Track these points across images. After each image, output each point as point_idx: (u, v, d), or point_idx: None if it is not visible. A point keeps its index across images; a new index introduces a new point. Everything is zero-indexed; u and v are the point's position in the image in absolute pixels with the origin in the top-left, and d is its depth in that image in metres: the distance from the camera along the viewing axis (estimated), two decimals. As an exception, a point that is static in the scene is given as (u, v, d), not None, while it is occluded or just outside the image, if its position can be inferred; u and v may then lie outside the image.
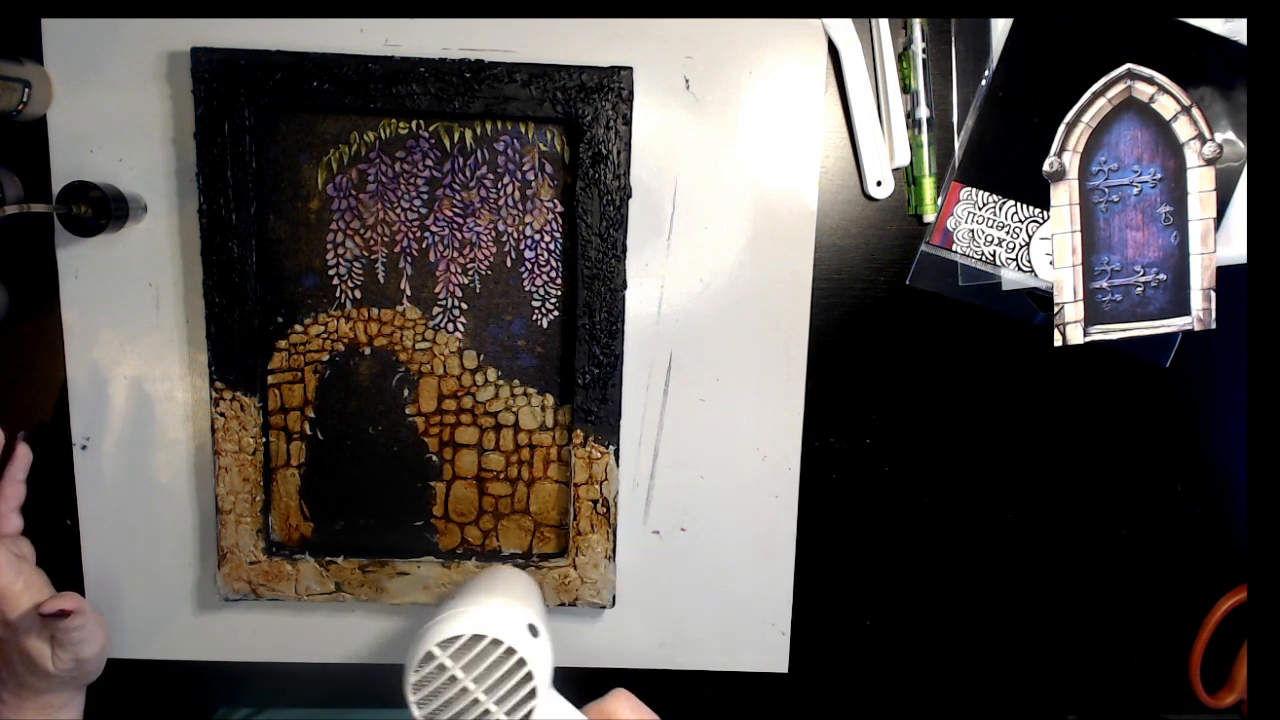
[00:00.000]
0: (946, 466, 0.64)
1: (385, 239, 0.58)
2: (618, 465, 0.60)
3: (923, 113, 0.59)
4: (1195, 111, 0.58)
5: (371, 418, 0.60)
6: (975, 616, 0.66)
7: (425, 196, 0.58)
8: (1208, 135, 0.58)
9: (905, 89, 0.59)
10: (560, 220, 0.59)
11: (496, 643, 0.46)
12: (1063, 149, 0.59)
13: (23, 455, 0.57)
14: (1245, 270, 0.60)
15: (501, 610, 0.48)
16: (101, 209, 0.53)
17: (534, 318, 0.60)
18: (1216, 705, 0.67)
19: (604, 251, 0.57)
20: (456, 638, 0.46)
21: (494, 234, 0.59)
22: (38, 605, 0.52)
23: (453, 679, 0.45)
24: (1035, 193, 0.59)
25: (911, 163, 0.59)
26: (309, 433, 0.60)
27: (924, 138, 0.59)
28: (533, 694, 0.46)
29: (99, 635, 0.55)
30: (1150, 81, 0.58)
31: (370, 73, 0.55)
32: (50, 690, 0.55)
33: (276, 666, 0.64)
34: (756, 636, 0.64)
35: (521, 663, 0.46)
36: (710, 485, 0.62)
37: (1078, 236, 0.59)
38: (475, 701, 0.45)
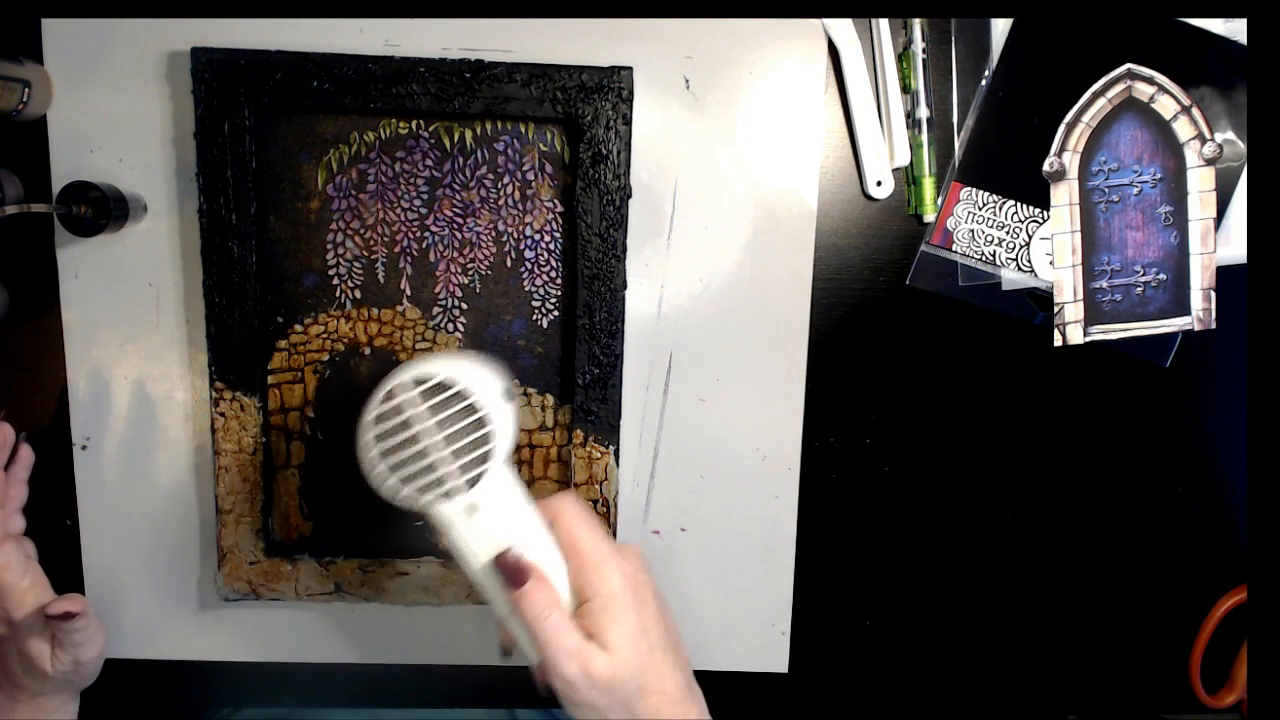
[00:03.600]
0: (946, 466, 0.64)
1: (385, 239, 0.58)
2: (618, 465, 0.60)
3: (923, 113, 0.59)
4: (1195, 111, 0.58)
5: (371, 418, 0.60)
6: (975, 616, 0.66)
7: (425, 196, 0.58)
8: (1208, 135, 0.58)
9: (905, 89, 0.59)
10: (560, 220, 0.59)
11: (463, 394, 0.45)
12: (1063, 149, 0.59)
13: (25, 456, 0.57)
14: (1245, 270, 0.60)
15: (477, 370, 0.47)
16: (101, 209, 0.53)
17: (534, 318, 0.60)
18: (1216, 705, 0.67)
19: (604, 251, 0.57)
20: (427, 378, 0.45)
21: (494, 234, 0.59)
22: (42, 606, 0.53)
23: (413, 420, 0.45)
24: (1035, 193, 0.59)
25: (911, 163, 0.59)
26: (309, 433, 0.60)
27: (924, 138, 0.59)
28: (489, 456, 0.45)
29: (99, 638, 0.55)
30: (1150, 81, 0.58)
31: (370, 73, 0.55)
32: (45, 693, 0.55)
33: (276, 666, 0.64)
34: (756, 636, 0.64)
35: (484, 420, 0.45)
36: (710, 485, 0.62)
37: (1078, 236, 0.59)
38: (430, 448, 0.45)
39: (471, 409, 0.45)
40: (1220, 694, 0.67)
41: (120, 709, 0.64)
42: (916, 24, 0.58)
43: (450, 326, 0.60)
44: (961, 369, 0.62)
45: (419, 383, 0.45)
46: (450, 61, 0.55)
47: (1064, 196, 0.59)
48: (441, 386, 0.45)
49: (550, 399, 0.60)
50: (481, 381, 0.46)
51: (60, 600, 0.52)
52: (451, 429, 0.45)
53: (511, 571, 0.45)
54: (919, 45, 0.58)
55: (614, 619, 0.44)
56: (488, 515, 0.46)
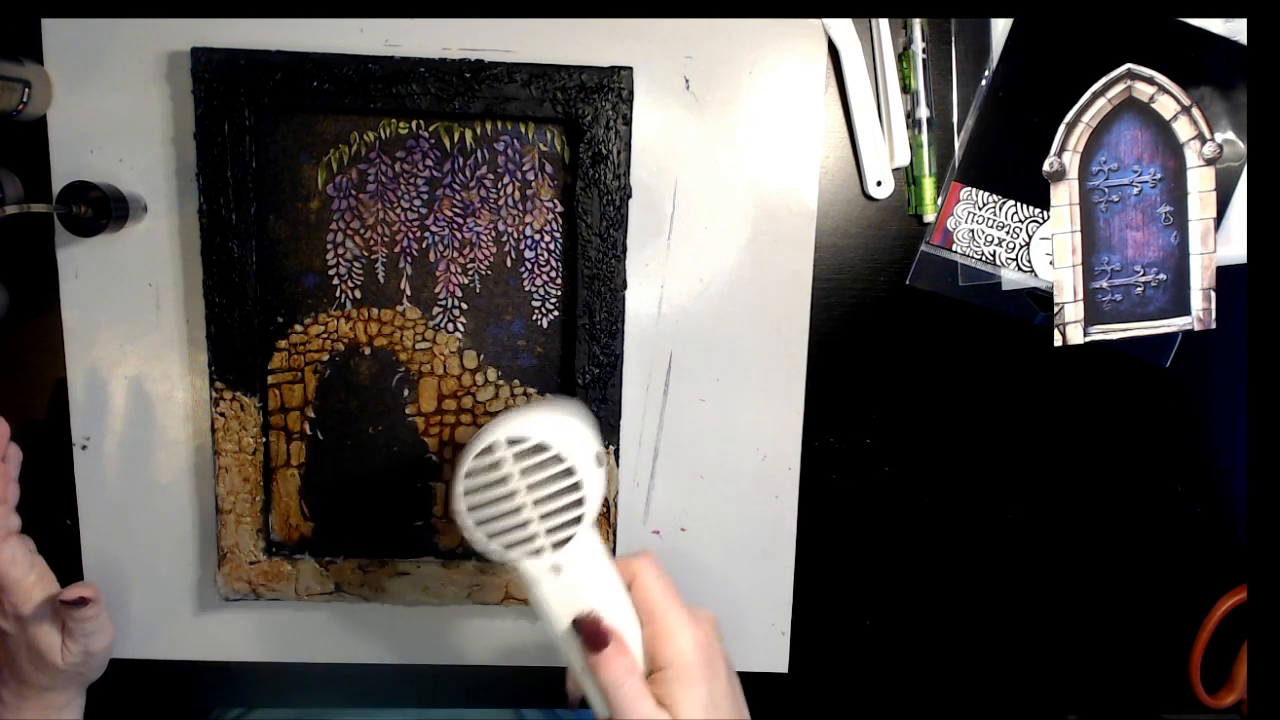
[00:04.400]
0: (946, 466, 0.64)
1: (385, 239, 0.58)
2: (618, 465, 0.60)
3: (923, 113, 0.59)
4: (1195, 111, 0.58)
5: (371, 418, 0.60)
6: (975, 616, 0.66)
7: (425, 196, 0.58)
8: (1208, 135, 0.58)
9: (905, 89, 0.59)
10: (560, 220, 0.59)
11: (559, 458, 0.44)
12: (1063, 149, 0.59)
13: (13, 454, 0.57)
14: (1245, 270, 0.60)
15: (574, 431, 0.46)
16: (101, 209, 0.53)
17: (534, 318, 0.60)
18: (1216, 705, 0.67)
19: (604, 251, 0.57)
20: (523, 439, 0.44)
21: (494, 234, 0.59)
22: (52, 596, 0.53)
23: (506, 478, 0.44)
24: (1035, 193, 0.59)
25: (911, 163, 0.59)
26: (309, 433, 0.60)
27: (924, 138, 0.59)
28: (578, 520, 0.45)
29: (109, 628, 0.56)
30: (1150, 81, 0.58)
31: (370, 73, 0.55)
32: (55, 687, 0.55)
33: (276, 666, 0.64)
34: (756, 636, 0.64)
35: (578, 485, 0.45)
36: (710, 485, 0.62)
37: (1078, 236, 0.59)
38: (521, 508, 0.44)
39: (566, 473, 0.45)
40: (1220, 694, 0.67)
41: (120, 709, 0.64)
42: (916, 24, 0.58)
43: (450, 326, 0.60)
44: (961, 369, 0.62)
45: (514, 442, 0.44)
46: (450, 61, 0.55)
47: (1064, 196, 0.59)
48: (538, 449, 0.44)
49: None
50: (577, 444, 0.45)
51: (73, 587, 0.53)
52: (544, 492, 0.45)
53: (592, 635, 0.45)
54: (919, 45, 0.58)
55: (686, 690, 0.44)
56: (571, 576, 0.46)
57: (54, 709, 0.56)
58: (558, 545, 0.45)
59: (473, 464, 0.45)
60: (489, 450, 0.44)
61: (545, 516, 0.45)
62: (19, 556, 0.54)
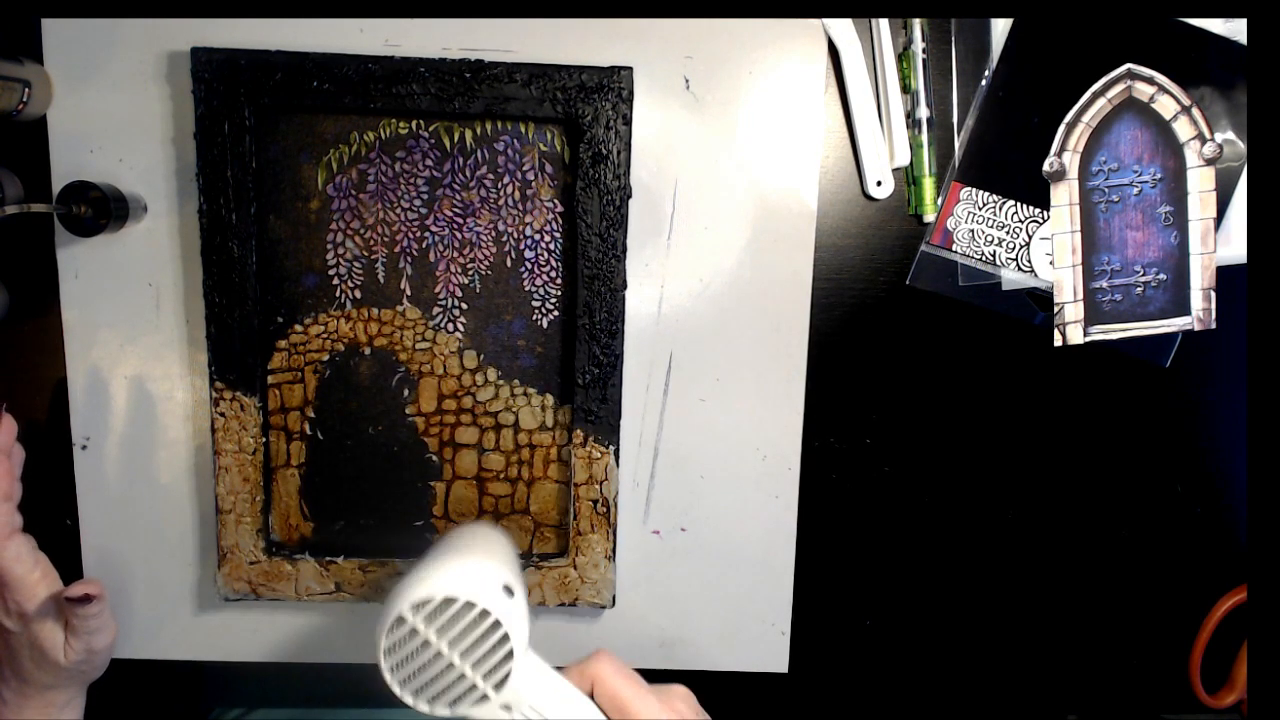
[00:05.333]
0: (946, 466, 0.64)
1: (385, 239, 0.58)
2: (618, 465, 0.60)
3: (923, 113, 0.59)
4: (1195, 111, 0.58)
5: (371, 418, 0.60)
6: (975, 616, 0.66)
7: (425, 196, 0.58)
8: (1208, 135, 0.58)
9: (905, 89, 0.59)
10: (560, 220, 0.59)
11: (469, 605, 0.44)
12: (1063, 149, 0.59)
13: (17, 453, 0.57)
14: (1245, 270, 0.60)
15: (474, 570, 0.46)
16: (101, 209, 0.53)
17: (534, 318, 0.60)
18: (1216, 705, 0.67)
19: (604, 251, 0.57)
20: (427, 600, 0.44)
21: (494, 234, 0.59)
22: (56, 594, 0.53)
23: (426, 643, 0.44)
24: (1035, 193, 0.59)
25: (911, 163, 0.59)
26: (309, 433, 0.60)
27: (924, 138, 0.59)
28: (509, 655, 0.44)
29: (112, 625, 0.56)
30: (1150, 81, 0.58)
31: (370, 73, 0.55)
32: (56, 686, 0.55)
33: (276, 666, 0.64)
34: (756, 636, 0.64)
35: (497, 624, 0.44)
36: (710, 485, 0.62)
37: (1078, 236, 0.59)
38: (450, 665, 0.44)
39: (481, 616, 0.44)
40: (1220, 694, 0.67)
41: (120, 709, 0.64)
42: (916, 24, 0.58)
43: (450, 326, 0.60)
44: (961, 369, 0.62)
45: (419, 606, 0.44)
46: (450, 61, 0.55)
47: (1064, 196, 0.59)
48: (445, 604, 0.44)
49: (550, 399, 0.60)
50: (482, 582, 0.45)
51: (79, 584, 0.53)
52: (466, 642, 0.44)
53: None
54: (919, 45, 0.58)
55: None
56: (524, 708, 0.45)
57: (55, 708, 0.56)
58: (499, 686, 0.44)
59: (388, 640, 0.44)
60: (400, 622, 0.44)
61: (476, 665, 0.44)
62: (23, 554, 0.54)
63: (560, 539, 0.62)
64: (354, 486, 0.61)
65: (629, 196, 0.57)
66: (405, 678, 0.44)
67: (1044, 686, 0.67)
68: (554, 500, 0.61)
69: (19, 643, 0.55)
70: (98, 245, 0.58)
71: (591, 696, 0.46)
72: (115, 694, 0.62)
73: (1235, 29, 0.58)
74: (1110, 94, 0.58)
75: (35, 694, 0.55)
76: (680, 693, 0.47)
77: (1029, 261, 0.60)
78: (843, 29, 0.58)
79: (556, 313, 0.60)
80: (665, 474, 0.62)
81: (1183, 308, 0.60)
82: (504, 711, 0.45)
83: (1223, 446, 0.64)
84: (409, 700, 0.45)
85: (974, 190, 0.59)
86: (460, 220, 0.58)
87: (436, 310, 0.59)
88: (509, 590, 0.45)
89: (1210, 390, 0.63)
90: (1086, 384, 0.63)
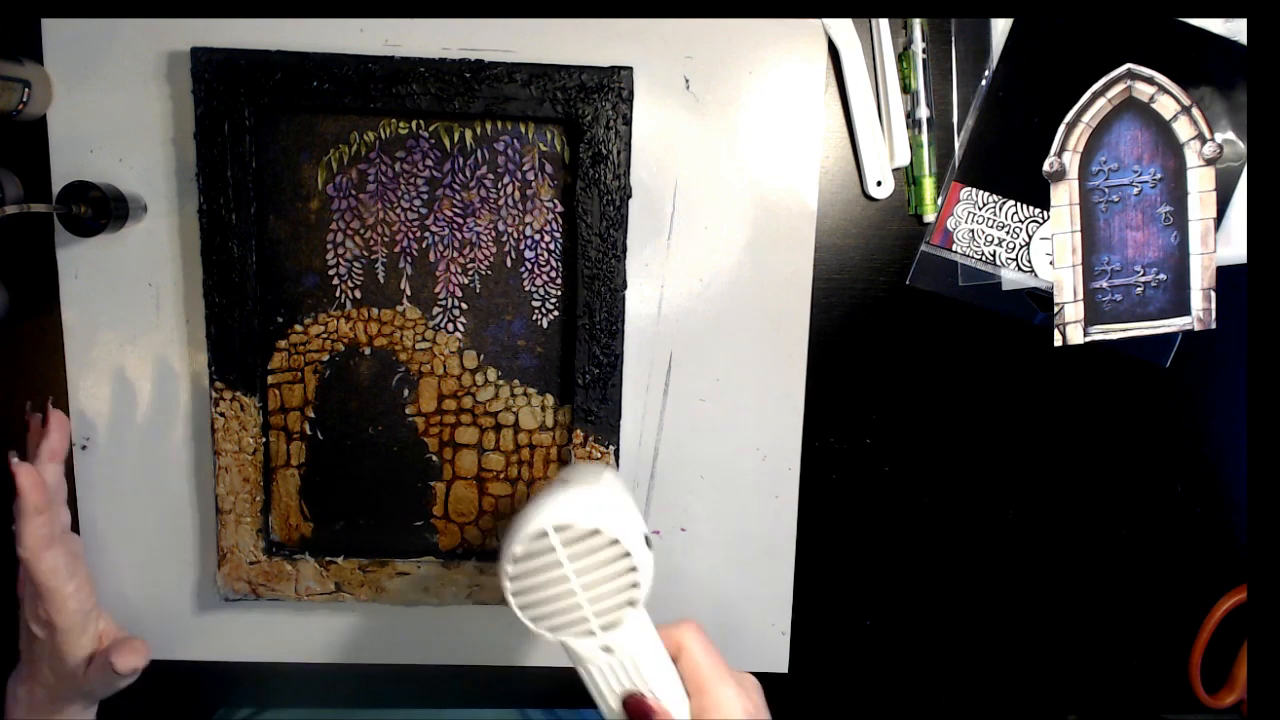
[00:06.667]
0: (946, 466, 0.64)
1: (385, 239, 0.58)
2: (618, 465, 0.60)
3: (923, 113, 0.59)
4: (1195, 111, 0.58)
5: (371, 418, 0.60)
6: (975, 616, 0.66)
7: (425, 196, 0.58)
8: (1208, 135, 0.58)
9: (905, 89, 0.59)
10: (560, 220, 0.59)
11: (615, 542, 0.42)
12: (1063, 149, 0.59)
13: (60, 447, 0.56)
14: (1245, 270, 0.60)
15: (625, 511, 0.44)
16: (101, 209, 0.53)
17: (534, 318, 0.60)
18: (1216, 705, 0.67)
19: (604, 251, 0.57)
20: (572, 525, 0.42)
21: (494, 234, 0.59)
22: (102, 650, 0.54)
23: (557, 564, 0.43)
24: (1035, 193, 0.59)
25: (911, 163, 0.59)
26: (309, 433, 0.60)
27: (924, 138, 0.59)
28: (632, 603, 0.44)
29: (142, 666, 0.56)
30: (1150, 81, 0.58)
31: (370, 73, 0.55)
32: (70, 697, 0.56)
33: (276, 666, 0.64)
34: (756, 636, 0.64)
35: (633, 569, 0.43)
36: (710, 485, 0.62)
37: (1078, 236, 0.59)
38: (571, 593, 0.43)
39: (623, 556, 0.43)
40: (1220, 694, 0.67)
41: (120, 709, 0.64)
42: (916, 24, 0.58)
43: (450, 326, 0.60)
44: (961, 369, 0.62)
45: (562, 529, 0.43)
46: (450, 61, 0.55)
47: (1064, 196, 0.59)
48: (592, 534, 0.43)
49: (550, 399, 0.60)
50: (629, 525, 0.44)
51: (128, 653, 0.53)
52: (596, 575, 0.43)
53: (640, 716, 0.45)
54: (919, 45, 0.58)
55: None
56: (621, 655, 0.45)
57: (64, 715, 0.56)
58: (609, 627, 0.44)
59: (521, 550, 0.43)
60: (541, 535, 0.43)
61: (596, 600, 0.43)
62: (60, 565, 0.53)
63: (560, 539, 0.62)
64: (354, 486, 0.61)
65: (629, 196, 0.57)
66: (522, 589, 0.44)
67: (1044, 686, 0.67)
68: (554, 500, 0.61)
69: (42, 649, 0.55)
70: (98, 245, 0.58)
71: (675, 663, 0.46)
72: (116, 694, 0.62)
73: (1235, 29, 0.58)
74: (1110, 94, 0.58)
75: (47, 700, 0.55)
76: (753, 683, 0.47)
77: (1029, 261, 0.60)
78: (843, 29, 0.58)
79: (556, 313, 0.60)
80: (665, 474, 0.62)
81: (1183, 308, 0.60)
82: (601, 652, 0.45)
83: (1223, 446, 0.64)
84: (518, 612, 0.44)
85: (974, 190, 0.59)
86: (460, 220, 0.58)
87: (436, 310, 0.59)
88: (649, 541, 0.45)
89: (1210, 390, 0.63)
90: (1086, 384, 0.63)
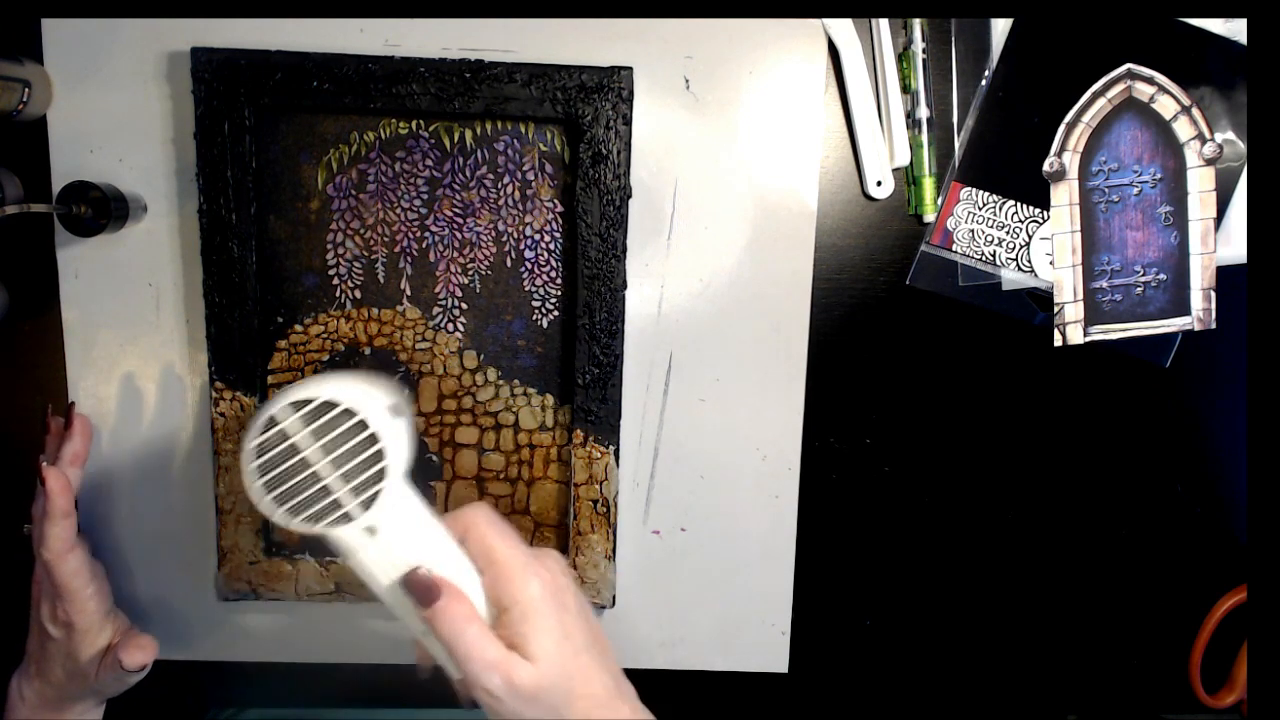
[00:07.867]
0: (946, 466, 0.64)
1: (385, 239, 0.58)
2: (618, 465, 0.60)
3: (923, 113, 0.59)
4: (1195, 111, 0.58)
5: (371, 418, 0.60)
6: (975, 616, 0.66)
7: (425, 196, 0.58)
8: (1208, 135, 0.58)
9: (905, 89, 0.59)
10: (560, 220, 0.59)
11: (348, 413, 0.42)
12: (1063, 149, 0.59)
13: (81, 448, 0.56)
14: (1245, 270, 0.60)
15: (361, 385, 0.44)
16: (101, 209, 0.53)
17: (534, 318, 0.60)
18: (1216, 705, 0.67)
19: (604, 251, 0.57)
20: (307, 402, 0.42)
21: (494, 234, 0.59)
22: (113, 644, 0.54)
23: (294, 448, 0.42)
24: (1035, 193, 0.59)
25: (911, 163, 0.59)
26: (309, 433, 0.60)
27: (924, 138, 0.59)
28: (381, 474, 0.43)
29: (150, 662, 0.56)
30: (1150, 81, 0.58)
31: (370, 73, 0.55)
32: (80, 697, 0.56)
33: (276, 666, 0.64)
34: (756, 636, 0.64)
35: (373, 438, 0.42)
36: (710, 485, 0.62)
37: (1078, 236, 0.59)
38: (316, 475, 0.42)
39: (359, 427, 0.42)
40: (1220, 694, 0.67)
41: (120, 709, 0.64)
42: (916, 24, 0.58)
43: (450, 326, 0.60)
44: (961, 369, 0.62)
45: (299, 406, 0.42)
46: (450, 61, 0.55)
47: (1064, 196, 0.59)
48: (325, 407, 0.42)
49: (550, 399, 0.60)
50: (367, 398, 0.43)
51: (134, 650, 0.54)
52: (338, 451, 0.42)
53: (421, 590, 0.43)
54: (919, 45, 0.58)
55: (535, 627, 0.43)
56: (389, 534, 0.44)
57: (71, 714, 0.56)
58: (366, 505, 0.43)
59: (259, 439, 0.42)
60: (273, 420, 0.42)
61: (346, 476, 0.42)
62: (81, 568, 0.53)
63: (560, 539, 0.62)
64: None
65: (629, 196, 0.57)
66: (268, 480, 0.42)
67: (1044, 686, 0.67)
68: (554, 500, 0.61)
69: (56, 650, 0.55)
70: (98, 245, 0.58)
71: (463, 545, 0.45)
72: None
73: (1235, 29, 0.58)
74: (1110, 94, 0.58)
75: (56, 700, 0.55)
76: (551, 553, 0.46)
77: (1029, 261, 0.60)
78: (843, 29, 0.58)
79: (556, 313, 0.60)
80: (665, 474, 0.62)
81: (1183, 308, 0.60)
82: (366, 535, 0.43)
83: (1223, 446, 0.64)
84: (266, 505, 0.43)
85: (974, 190, 0.59)
86: (460, 220, 0.58)
87: (436, 310, 0.59)
88: (395, 411, 0.44)
89: (1210, 390, 0.63)
90: (1086, 384, 0.63)
